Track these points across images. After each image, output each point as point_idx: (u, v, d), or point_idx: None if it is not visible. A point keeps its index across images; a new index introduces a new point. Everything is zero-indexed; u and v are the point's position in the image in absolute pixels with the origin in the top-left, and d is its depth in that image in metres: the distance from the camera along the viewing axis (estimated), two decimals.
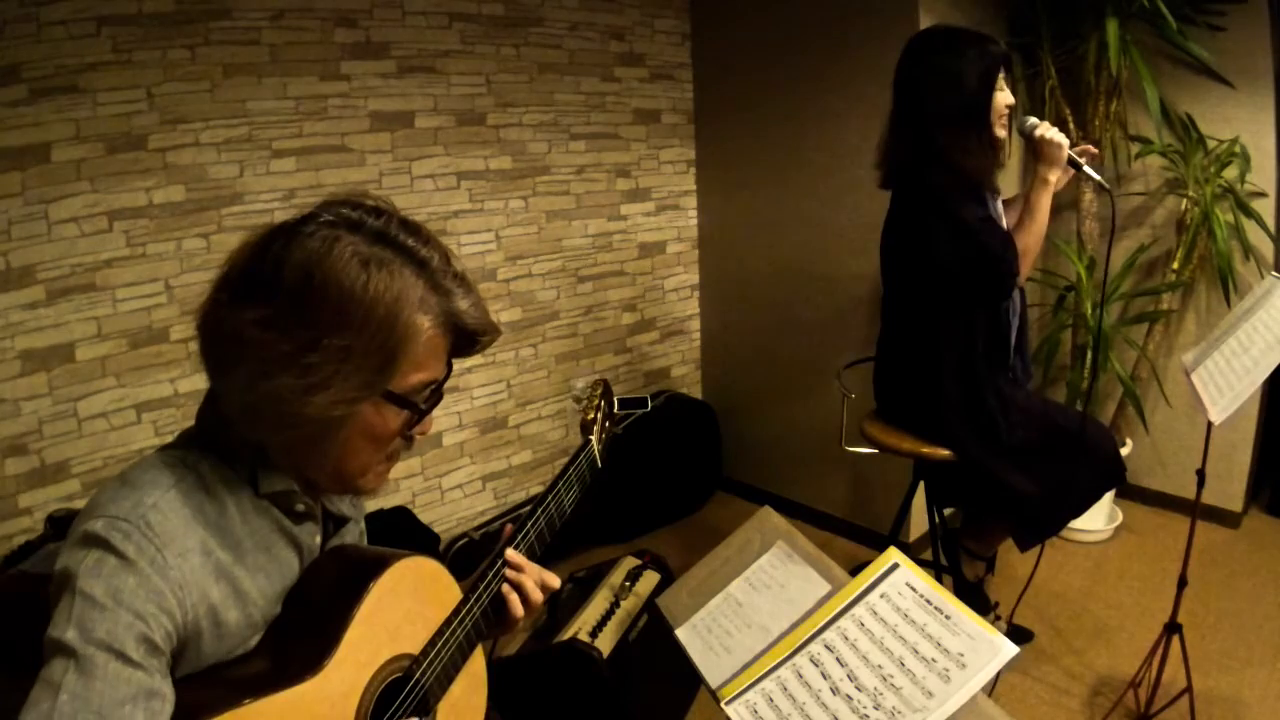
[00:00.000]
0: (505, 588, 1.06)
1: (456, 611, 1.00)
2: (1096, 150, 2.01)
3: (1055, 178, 1.91)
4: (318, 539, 0.97)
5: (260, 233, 0.87)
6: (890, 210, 2.06)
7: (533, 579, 1.08)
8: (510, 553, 1.08)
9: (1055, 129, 1.90)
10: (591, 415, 1.31)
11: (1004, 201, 2.09)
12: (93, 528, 0.77)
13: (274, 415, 0.83)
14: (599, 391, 1.36)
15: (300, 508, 0.93)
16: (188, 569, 0.80)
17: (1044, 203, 1.93)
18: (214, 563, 0.83)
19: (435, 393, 0.92)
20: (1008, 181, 2.14)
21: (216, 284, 0.86)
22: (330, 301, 0.82)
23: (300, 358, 0.81)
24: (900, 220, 2.02)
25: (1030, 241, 1.92)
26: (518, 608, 1.06)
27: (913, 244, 1.98)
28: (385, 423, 0.89)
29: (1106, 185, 1.95)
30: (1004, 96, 1.90)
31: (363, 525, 1.10)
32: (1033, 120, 1.92)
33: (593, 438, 1.28)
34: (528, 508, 1.15)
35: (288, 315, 0.81)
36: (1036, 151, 1.93)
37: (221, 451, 0.88)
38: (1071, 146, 1.91)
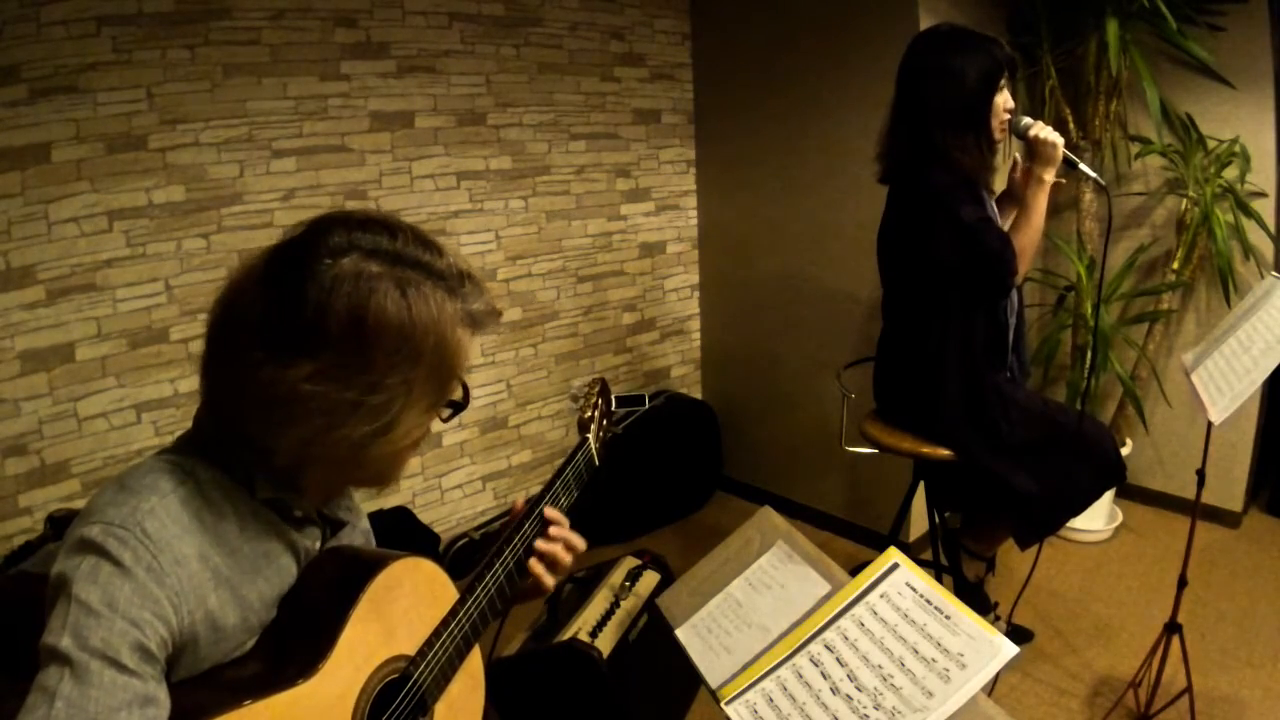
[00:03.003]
0: (532, 561, 1.10)
1: (454, 611, 1.00)
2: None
3: (1051, 177, 1.92)
4: (317, 544, 0.97)
5: (267, 270, 0.83)
6: (888, 208, 2.06)
7: (560, 544, 1.13)
8: (540, 545, 1.11)
9: (1050, 128, 1.90)
10: (589, 414, 1.31)
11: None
12: (89, 534, 0.77)
13: (348, 460, 0.85)
14: (596, 390, 1.36)
15: (299, 513, 0.93)
16: (184, 575, 0.80)
17: (1040, 203, 1.93)
18: (211, 569, 0.83)
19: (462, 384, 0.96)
20: (1000, 179, 2.14)
21: (239, 339, 0.82)
22: (385, 344, 0.82)
23: (365, 402, 0.82)
24: (899, 219, 2.03)
25: (1027, 241, 1.92)
26: (546, 578, 1.11)
27: (912, 243, 1.98)
28: (430, 426, 0.93)
29: (1103, 183, 1.95)
30: (1004, 99, 1.90)
31: (364, 524, 1.10)
32: (1027, 120, 1.92)
33: (590, 436, 1.28)
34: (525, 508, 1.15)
35: (344, 365, 0.81)
36: (1032, 151, 1.93)
37: (219, 457, 0.87)
38: (1066, 146, 1.91)
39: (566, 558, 1.13)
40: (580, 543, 1.15)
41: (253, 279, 0.84)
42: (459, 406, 0.95)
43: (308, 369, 0.80)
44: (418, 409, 0.87)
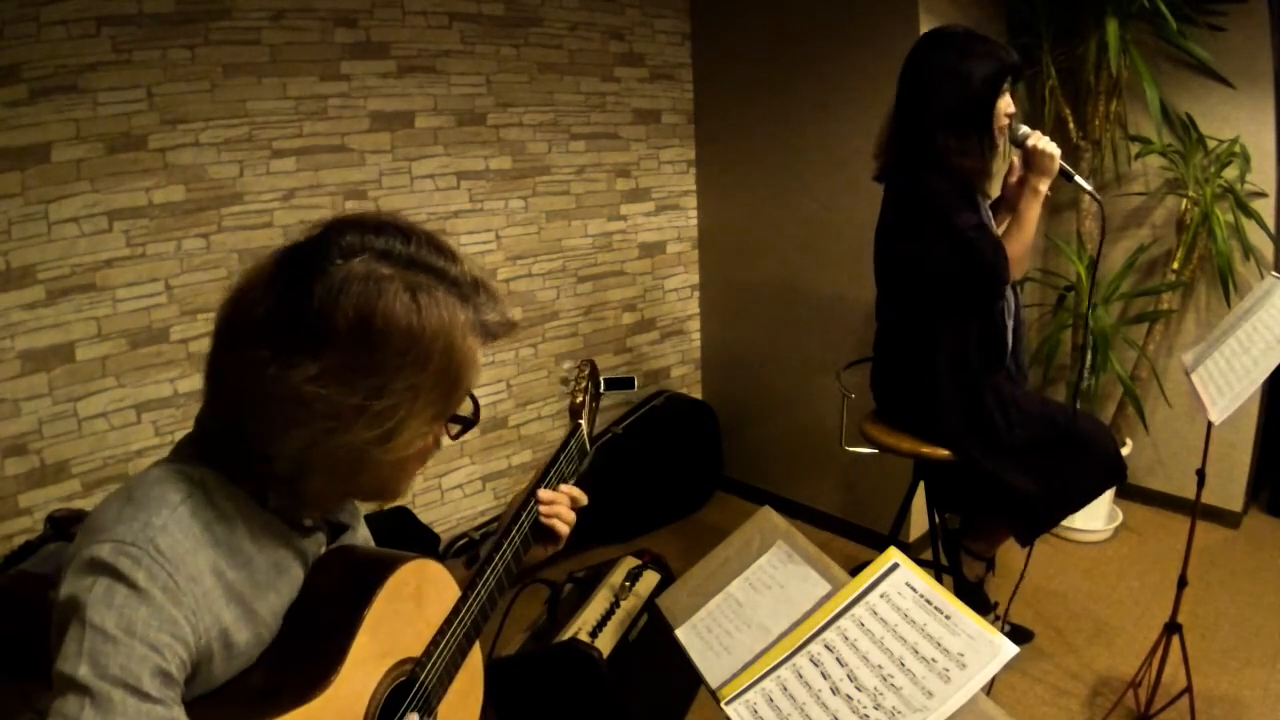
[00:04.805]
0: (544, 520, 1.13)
1: (456, 611, 1.00)
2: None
3: (1046, 188, 1.91)
4: (323, 549, 0.97)
5: (277, 270, 0.82)
6: (884, 209, 2.06)
7: (564, 506, 1.14)
8: (542, 492, 1.13)
9: (1048, 139, 1.89)
10: (580, 398, 1.29)
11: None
12: (99, 553, 0.73)
13: (347, 466, 0.83)
14: (586, 373, 1.34)
15: (308, 522, 0.92)
16: (199, 593, 0.77)
17: (1034, 212, 1.93)
18: (225, 584, 0.81)
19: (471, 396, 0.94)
20: (995, 183, 2.14)
21: (245, 336, 0.80)
22: (392, 346, 0.80)
23: (369, 407, 0.80)
24: (894, 222, 2.03)
25: (1019, 249, 1.94)
26: (561, 533, 1.14)
27: (906, 247, 1.98)
28: (438, 438, 0.91)
29: (1098, 197, 1.94)
30: (1006, 103, 1.90)
31: (364, 530, 1.10)
32: (1026, 129, 1.91)
33: (582, 422, 1.26)
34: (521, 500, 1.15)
35: (349, 367, 0.78)
36: (1029, 161, 1.93)
37: (226, 465, 0.85)
38: (1065, 150, 1.91)
39: (568, 514, 1.15)
40: (580, 495, 1.18)
41: (262, 277, 0.83)
42: (468, 423, 0.92)
43: (312, 369, 0.78)
44: (422, 418, 0.84)
